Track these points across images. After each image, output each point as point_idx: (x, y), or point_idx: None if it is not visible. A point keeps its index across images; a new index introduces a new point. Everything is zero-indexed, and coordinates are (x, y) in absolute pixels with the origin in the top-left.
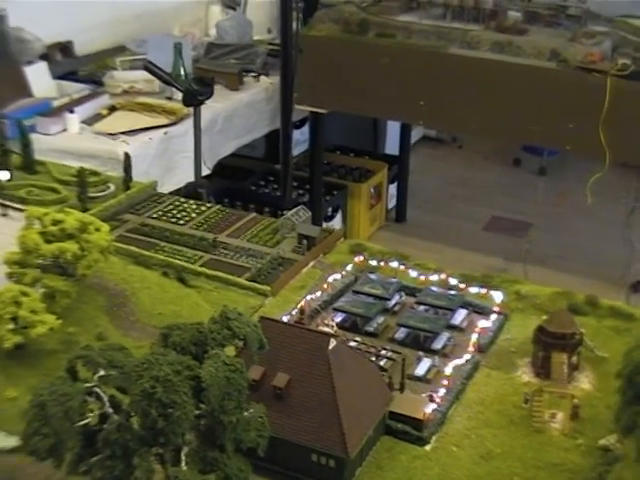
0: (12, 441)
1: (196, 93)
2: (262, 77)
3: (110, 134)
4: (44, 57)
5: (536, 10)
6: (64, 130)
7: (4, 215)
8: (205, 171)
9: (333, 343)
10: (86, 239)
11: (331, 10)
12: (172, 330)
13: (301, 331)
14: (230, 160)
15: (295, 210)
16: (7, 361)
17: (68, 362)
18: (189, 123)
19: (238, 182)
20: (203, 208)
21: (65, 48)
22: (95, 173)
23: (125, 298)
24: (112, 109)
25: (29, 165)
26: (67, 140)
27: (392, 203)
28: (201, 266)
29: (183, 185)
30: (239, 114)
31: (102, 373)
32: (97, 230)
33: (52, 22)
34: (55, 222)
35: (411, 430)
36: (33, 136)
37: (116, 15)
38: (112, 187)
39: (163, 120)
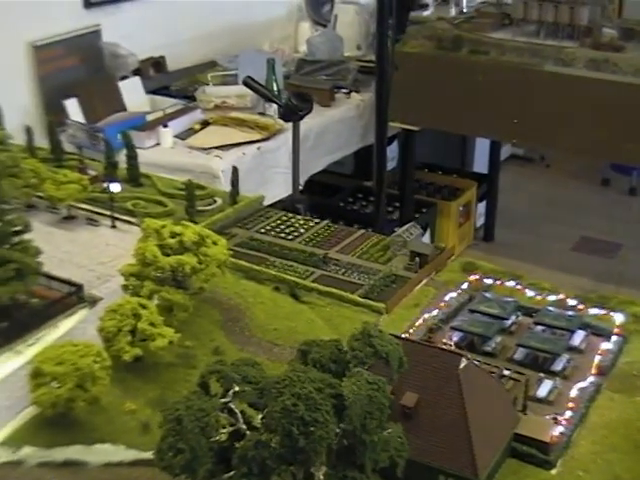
0: (131, 454)
1: (296, 109)
2: (353, 94)
3: (203, 148)
4: (137, 72)
5: (632, 27)
6: (157, 144)
7: (113, 227)
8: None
9: (464, 362)
10: (204, 252)
11: (424, 27)
12: (311, 347)
13: (431, 350)
14: (318, 176)
15: (406, 227)
16: (124, 373)
17: (201, 376)
18: (282, 139)
19: (326, 198)
20: (311, 224)
21: (157, 63)
22: (201, 187)
23: (239, 312)
24: (205, 124)
25: (134, 177)
26: (161, 154)
27: (480, 222)
28: (313, 282)
29: (277, 200)
30: (330, 130)
31: (237, 389)
32: (214, 244)
33: (145, 37)
34: (173, 235)
35: (537, 453)
36: (124, 151)
37: (207, 30)
38: (219, 201)
39: (256, 135)
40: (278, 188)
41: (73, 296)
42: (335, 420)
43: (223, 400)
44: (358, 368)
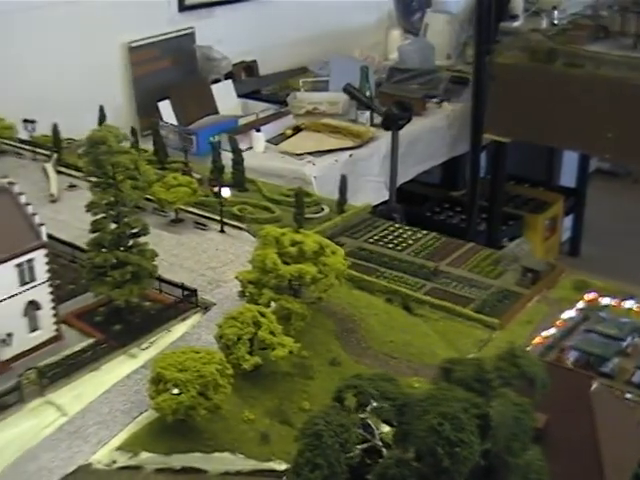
0: (250, 464)
1: (396, 117)
2: (444, 103)
3: (296, 154)
4: (229, 76)
5: None
6: (250, 148)
7: (222, 232)
8: (385, 196)
9: (595, 384)
10: (324, 262)
11: (517, 38)
12: (454, 365)
13: (561, 370)
14: (405, 185)
15: (517, 242)
16: (241, 382)
17: (337, 390)
18: (374, 147)
19: (413, 208)
20: (419, 235)
21: (249, 67)
22: (308, 194)
23: (354, 324)
24: (296, 129)
25: (240, 182)
26: (253, 158)
27: (565, 236)
28: (424, 294)
29: (371, 208)
30: (421, 140)
31: (374, 405)
32: (333, 253)
33: (237, 42)
34: (294, 243)
35: None
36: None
37: (298, 37)
38: (326, 209)
39: (348, 142)
40: (369, 196)
41: (186, 301)
42: (479, 441)
43: (362, 416)
44: (503, 389)
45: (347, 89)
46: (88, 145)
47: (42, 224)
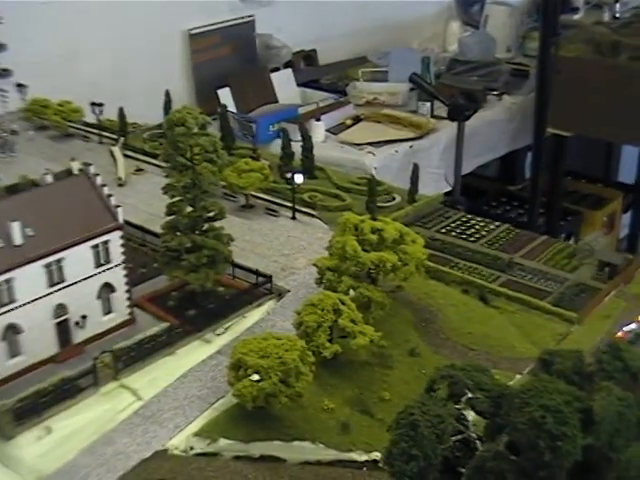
0: (330, 454)
1: (463, 108)
2: (504, 96)
3: (356, 144)
4: (288, 64)
5: None
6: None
7: (293, 218)
8: (444, 187)
9: None
10: (404, 250)
11: (580, 30)
12: (553, 357)
13: None
14: (462, 177)
15: (593, 236)
16: (320, 370)
17: (431, 380)
18: (434, 138)
19: (470, 201)
20: (492, 226)
21: (309, 57)
22: (379, 182)
23: (431, 314)
24: (356, 119)
25: (309, 170)
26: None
27: (623, 233)
28: (500, 286)
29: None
30: (481, 133)
31: (470, 396)
32: (413, 242)
33: (297, 31)
34: (374, 230)
35: None
36: (277, 141)
37: (358, 27)
38: (398, 198)
39: (409, 133)
40: (428, 187)
41: (261, 287)
42: (581, 435)
43: (457, 407)
44: (606, 382)
45: (413, 79)
46: (166, 126)
47: (118, 206)
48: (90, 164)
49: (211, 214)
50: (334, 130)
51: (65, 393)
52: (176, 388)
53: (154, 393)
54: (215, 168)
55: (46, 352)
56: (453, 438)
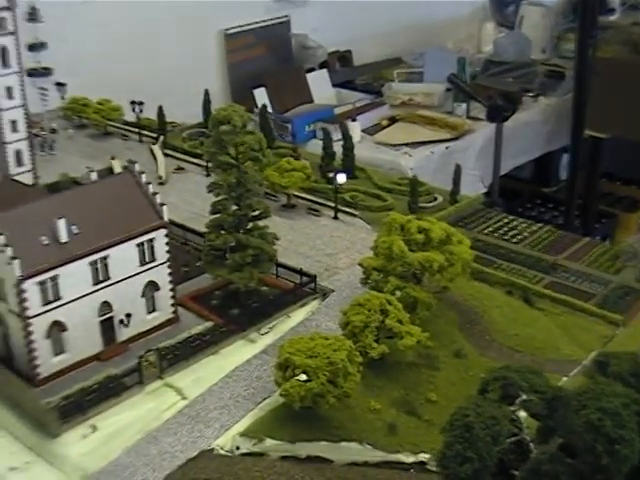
0: (377, 455)
1: (501, 109)
2: (540, 97)
3: (392, 145)
4: (323, 65)
5: None
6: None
7: (335, 218)
8: (480, 189)
9: None
10: (450, 250)
11: (618, 32)
12: (609, 359)
13: None
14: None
15: (636, 238)
16: (366, 370)
17: (485, 382)
18: (470, 139)
19: (506, 202)
20: (534, 228)
21: (344, 57)
22: (421, 183)
23: (477, 315)
24: (392, 120)
25: (350, 170)
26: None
27: None
28: (544, 288)
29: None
30: (516, 134)
31: (524, 397)
32: (459, 242)
33: (332, 31)
34: (420, 230)
35: None
36: (313, 141)
37: (392, 27)
38: (439, 198)
39: (445, 134)
40: (463, 188)
41: (305, 287)
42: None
43: (512, 408)
44: None
45: (451, 79)
46: (211, 124)
47: (163, 204)
48: (135, 162)
49: (256, 213)
50: (370, 131)
51: (110, 391)
52: (221, 387)
53: (199, 392)
54: (259, 167)
55: (90, 350)
56: (507, 440)
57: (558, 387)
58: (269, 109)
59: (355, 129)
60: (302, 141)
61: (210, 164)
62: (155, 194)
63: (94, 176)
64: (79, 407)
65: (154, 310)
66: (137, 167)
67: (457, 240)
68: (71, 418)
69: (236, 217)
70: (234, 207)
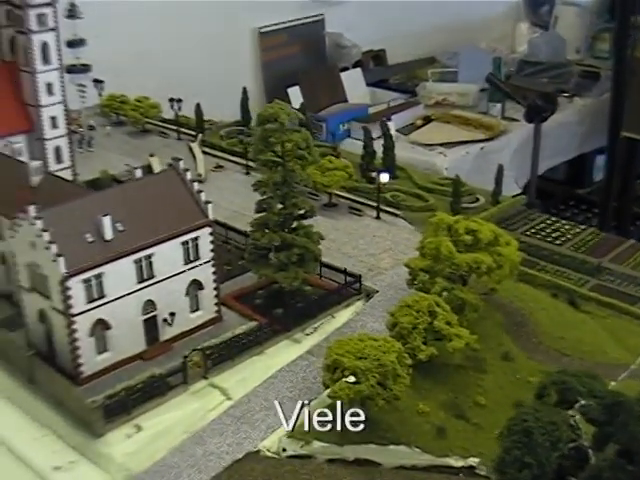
0: (425, 459)
1: (540, 109)
2: (575, 98)
3: (427, 145)
4: (357, 64)
5: None
6: (379, 137)
7: (377, 218)
8: (515, 189)
9: None
10: (499, 252)
11: None
12: None
13: None
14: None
15: None
16: (413, 372)
17: (542, 386)
18: (505, 140)
19: (540, 204)
20: (577, 230)
21: (377, 56)
22: (462, 183)
23: (523, 317)
24: (426, 120)
25: (390, 169)
26: (381, 147)
27: None
28: (589, 290)
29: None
30: (551, 135)
31: (582, 403)
32: (507, 244)
33: (366, 30)
34: (469, 231)
35: None
36: (347, 141)
37: (426, 27)
38: (481, 199)
39: (480, 135)
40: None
41: (350, 287)
42: None
43: (570, 413)
44: None
45: (490, 79)
46: (258, 122)
47: (208, 202)
48: (180, 159)
49: (301, 212)
50: (404, 130)
51: (154, 391)
52: (266, 388)
53: (244, 393)
54: (303, 165)
55: (134, 349)
56: (567, 445)
57: (617, 392)
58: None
59: (389, 129)
60: (336, 140)
61: (254, 162)
62: (200, 192)
63: (139, 173)
64: (123, 406)
65: (197, 309)
66: (182, 164)
67: (505, 241)
68: (115, 417)
69: (281, 216)
70: (279, 206)
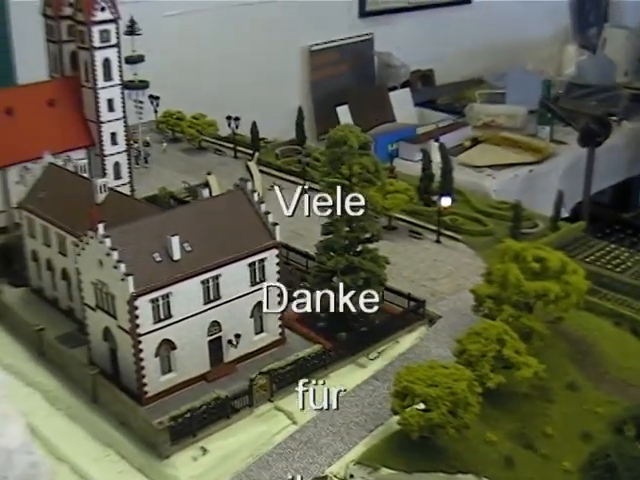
0: None
1: (594, 134)
2: (623, 121)
3: (475, 166)
4: (406, 84)
5: None
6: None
7: (437, 242)
8: (563, 213)
9: None
10: (566, 280)
11: None
12: None
13: None
14: (576, 204)
15: None
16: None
17: (620, 420)
18: (553, 162)
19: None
20: (637, 257)
21: (425, 76)
22: (521, 208)
23: (588, 346)
24: (475, 141)
25: (450, 192)
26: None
27: None
28: None
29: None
30: (599, 159)
31: None
32: (574, 272)
33: (414, 50)
34: (537, 259)
35: None
36: (397, 161)
37: (474, 47)
38: (541, 225)
39: (529, 157)
40: (547, 213)
41: (414, 312)
42: None
43: None
44: None
45: (544, 103)
46: (328, 144)
47: (276, 223)
48: (247, 180)
49: (368, 235)
50: (452, 151)
51: (220, 413)
52: (332, 413)
53: (310, 417)
54: (370, 189)
55: (198, 370)
56: None
57: None
58: None
59: (437, 150)
60: (384, 159)
61: (317, 183)
62: (268, 213)
63: (205, 193)
64: (189, 428)
65: (262, 331)
66: (250, 185)
67: (572, 269)
68: (181, 439)
69: (347, 239)
70: (346, 229)
